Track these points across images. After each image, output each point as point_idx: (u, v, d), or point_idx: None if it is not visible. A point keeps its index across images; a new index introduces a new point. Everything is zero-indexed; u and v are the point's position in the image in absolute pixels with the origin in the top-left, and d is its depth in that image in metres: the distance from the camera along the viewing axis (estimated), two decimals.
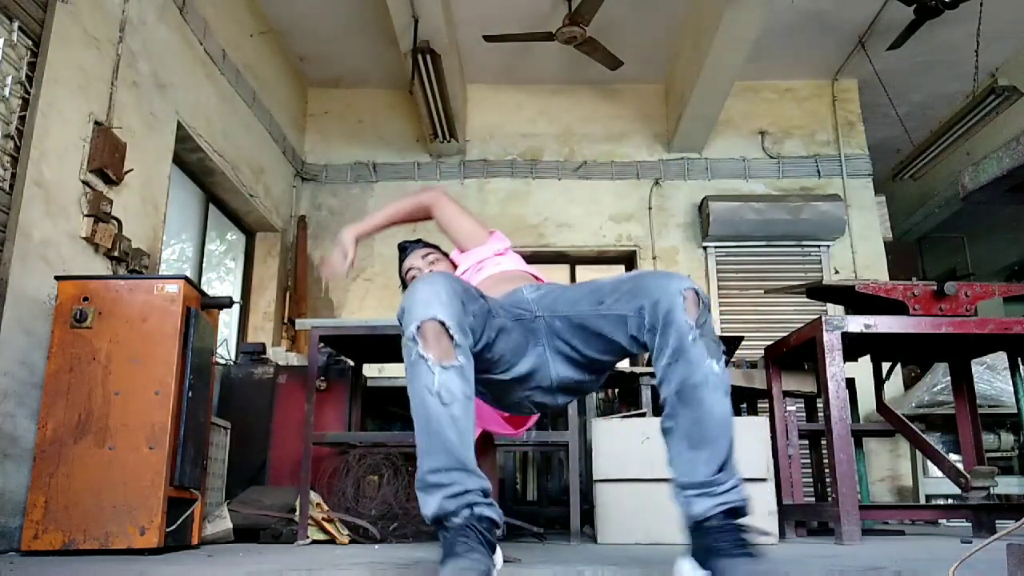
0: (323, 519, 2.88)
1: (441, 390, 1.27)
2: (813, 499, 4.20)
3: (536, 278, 1.98)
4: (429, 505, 1.28)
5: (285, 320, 5.58)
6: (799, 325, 3.05)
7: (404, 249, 2.35)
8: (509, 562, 1.63)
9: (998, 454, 5.04)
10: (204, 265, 4.89)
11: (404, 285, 2.25)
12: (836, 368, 2.72)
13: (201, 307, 2.69)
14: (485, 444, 2.39)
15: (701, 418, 1.34)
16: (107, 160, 3.18)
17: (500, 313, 1.53)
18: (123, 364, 2.48)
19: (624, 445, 2.78)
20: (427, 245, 2.32)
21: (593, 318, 1.51)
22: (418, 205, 2.21)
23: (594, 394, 4.38)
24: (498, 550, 1.44)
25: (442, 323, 1.29)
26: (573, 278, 6.23)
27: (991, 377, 4.87)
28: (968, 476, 2.87)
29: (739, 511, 1.32)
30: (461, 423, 1.27)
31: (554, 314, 1.59)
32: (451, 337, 1.29)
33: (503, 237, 2.19)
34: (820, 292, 3.35)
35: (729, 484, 1.33)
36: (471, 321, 1.37)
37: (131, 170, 3.39)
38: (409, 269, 2.27)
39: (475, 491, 1.28)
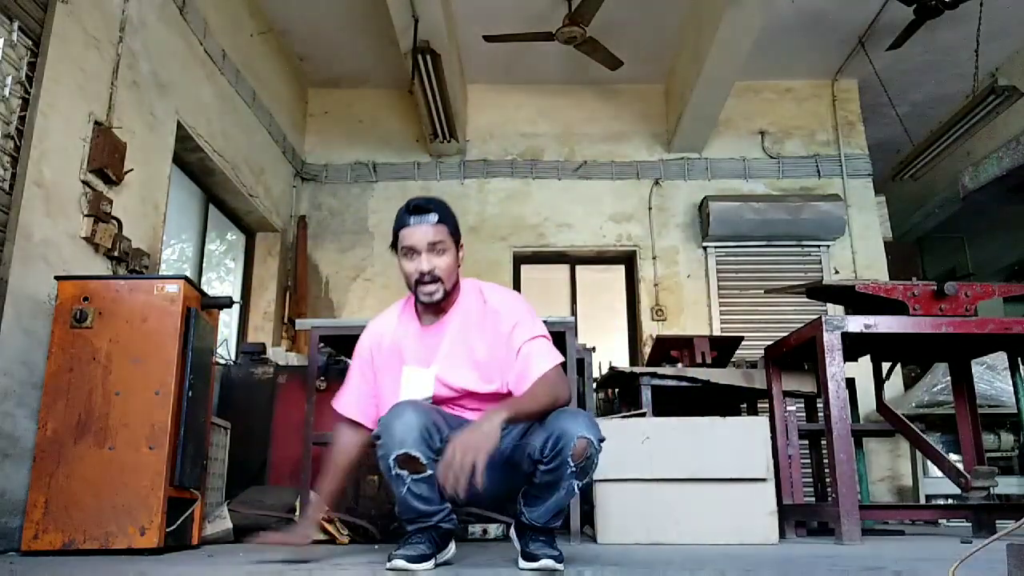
0: (323, 519, 2.88)
1: (413, 489, 1.76)
2: (813, 499, 4.20)
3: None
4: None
5: (285, 320, 5.58)
6: (799, 325, 3.05)
7: (410, 212, 1.91)
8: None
9: (998, 454, 5.04)
10: (204, 265, 4.89)
11: (395, 247, 1.95)
12: (836, 368, 2.72)
13: (201, 307, 2.68)
14: None
15: (553, 499, 1.80)
16: (107, 160, 3.18)
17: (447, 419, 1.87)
18: (123, 364, 2.48)
19: (624, 445, 2.77)
20: (440, 219, 1.90)
21: (513, 449, 1.84)
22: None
23: (594, 394, 4.38)
24: (451, 544, 1.97)
25: (412, 456, 1.71)
26: (573, 278, 6.23)
27: (991, 377, 4.87)
28: (968, 476, 2.88)
29: (552, 529, 1.86)
30: (430, 500, 1.79)
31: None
32: (420, 459, 1.71)
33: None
34: (820, 292, 3.35)
35: (553, 524, 1.84)
36: (437, 444, 1.75)
37: (131, 170, 3.39)
38: (408, 251, 1.90)
39: (439, 516, 1.82)
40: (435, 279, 1.90)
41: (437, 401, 1.96)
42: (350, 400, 2.09)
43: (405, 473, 1.72)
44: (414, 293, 1.96)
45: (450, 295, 1.97)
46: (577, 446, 1.68)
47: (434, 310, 2.00)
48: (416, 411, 1.75)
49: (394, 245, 1.97)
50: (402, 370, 1.99)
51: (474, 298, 2.00)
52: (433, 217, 1.90)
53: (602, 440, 1.73)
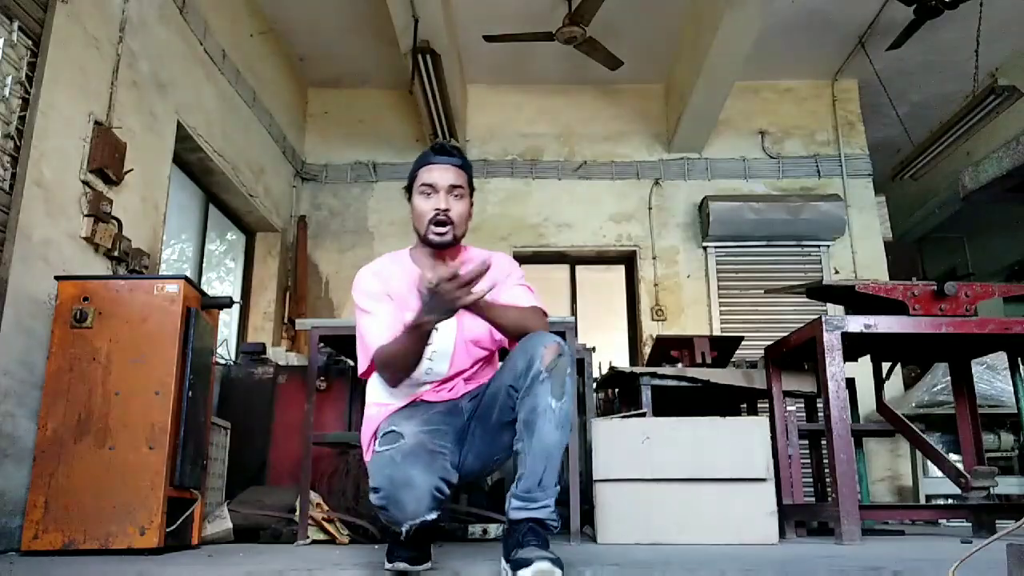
0: (323, 519, 2.88)
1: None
2: (813, 499, 4.20)
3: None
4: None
5: (285, 320, 5.58)
6: (799, 325, 3.05)
7: (435, 151, 1.91)
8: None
9: (998, 454, 5.04)
10: (204, 265, 4.89)
11: (409, 194, 1.93)
12: (836, 368, 2.72)
13: (201, 307, 2.68)
14: None
15: (535, 442, 1.60)
16: (107, 160, 3.18)
17: (445, 437, 1.75)
18: (123, 364, 2.48)
19: (624, 445, 2.78)
20: (463, 165, 1.92)
21: (498, 412, 1.75)
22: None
23: (594, 394, 4.38)
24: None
25: (428, 521, 1.59)
26: (573, 278, 6.23)
27: (991, 377, 4.87)
28: (968, 476, 2.87)
29: (544, 523, 1.60)
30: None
31: (476, 420, 1.82)
32: (437, 520, 1.61)
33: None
34: (820, 292, 3.35)
35: (541, 502, 1.60)
36: (447, 484, 1.64)
37: (131, 170, 3.39)
38: (427, 189, 1.87)
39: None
40: (450, 220, 1.86)
41: (455, 370, 1.87)
42: (382, 334, 1.81)
43: (417, 527, 1.62)
44: (423, 235, 1.88)
45: (457, 245, 1.92)
46: (547, 350, 1.62)
47: (440, 259, 1.92)
48: (423, 470, 1.60)
49: (408, 188, 1.94)
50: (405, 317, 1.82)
51: (477, 256, 1.98)
52: (457, 160, 1.90)
53: (572, 352, 1.70)
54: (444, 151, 1.90)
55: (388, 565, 1.70)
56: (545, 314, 1.88)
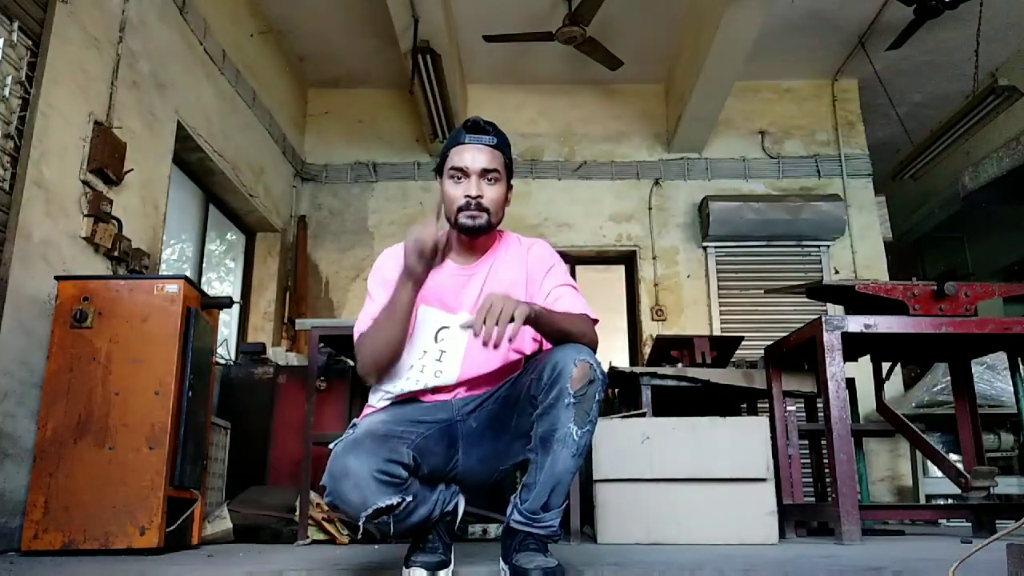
0: (323, 519, 2.88)
1: (402, 518, 1.53)
2: (813, 499, 4.20)
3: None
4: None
5: (285, 320, 5.58)
6: (799, 325, 3.05)
7: (467, 129, 1.72)
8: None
9: (998, 454, 5.04)
10: (204, 265, 4.89)
11: (440, 176, 1.75)
12: (836, 368, 2.72)
13: (201, 307, 2.69)
14: None
15: (548, 464, 1.53)
16: (107, 160, 3.18)
17: (414, 425, 1.62)
18: (123, 364, 2.49)
19: (624, 445, 2.78)
20: (498, 144, 1.71)
21: (517, 418, 1.63)
22: None
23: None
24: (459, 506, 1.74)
25: (382, 508, 1.46)
26: (573, 278, 6.22)
27: (991, 377, 4.86)
28: (968, 476, 2.87)
29: (545, 540, 1.57)
30: (422, 504, 1.57)
31: (486, 424, 1.69)
32: (392, 503, 1.48)
33: None
34: (820, 292, 3.35)
35: (546, 522, 1.56)
36: (400, 466, 1.51)
37: (131, 170, 3.39)
38: (457, 173, 1.69)
39: (439, 507, 1.64)
40: (482, 208, 1.67)
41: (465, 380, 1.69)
42: (369, 319, 1.68)
43: (385, 518, 1.49)
44: (453, 222, 1.69)
45: (491, 231, 1.74)
46: (578, 369, 1.49)
47: (471, 248, 1.75)
48: (358, 456, 1.47)
49: (439, 169, 1.75)
50: (418, 310, 1.67)
51: (514, 244, 1.83)
52: (492, 140, 1.70)
53: (605, 374, 1.54)
54: (478, 129, 1.71)
55: (405, 571, 1.61)
56: (594, 321, 1.70)
